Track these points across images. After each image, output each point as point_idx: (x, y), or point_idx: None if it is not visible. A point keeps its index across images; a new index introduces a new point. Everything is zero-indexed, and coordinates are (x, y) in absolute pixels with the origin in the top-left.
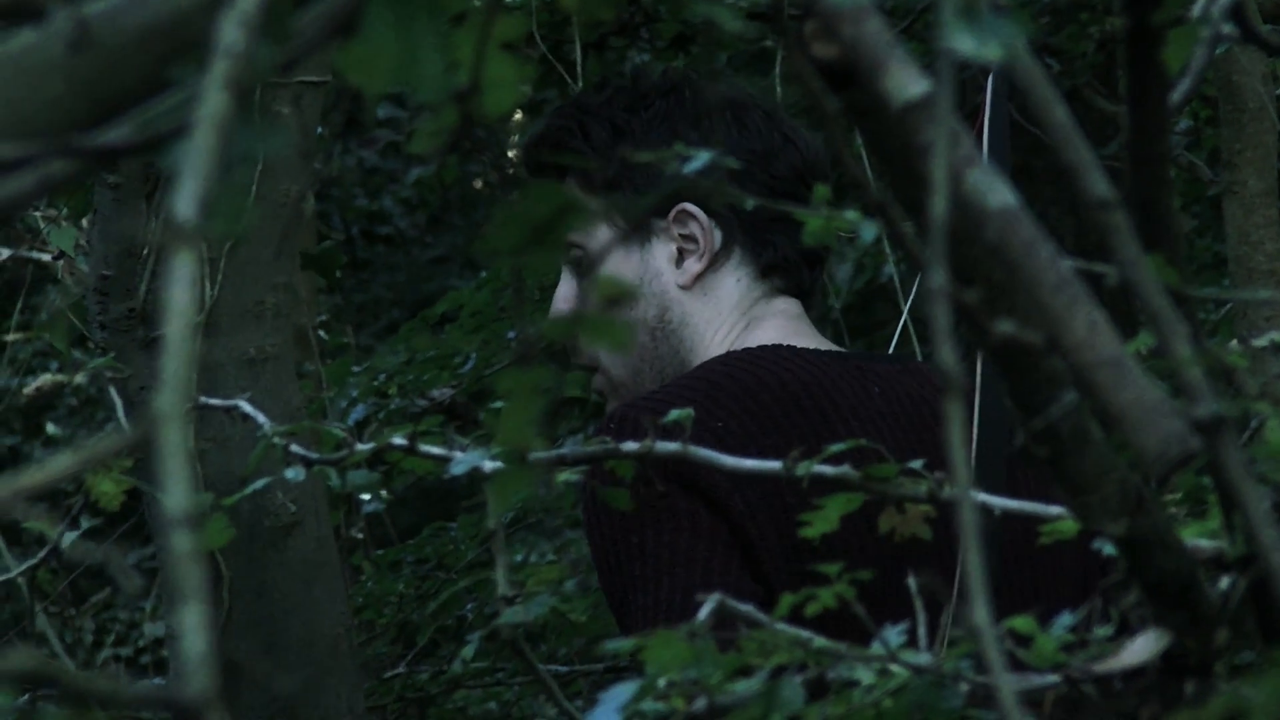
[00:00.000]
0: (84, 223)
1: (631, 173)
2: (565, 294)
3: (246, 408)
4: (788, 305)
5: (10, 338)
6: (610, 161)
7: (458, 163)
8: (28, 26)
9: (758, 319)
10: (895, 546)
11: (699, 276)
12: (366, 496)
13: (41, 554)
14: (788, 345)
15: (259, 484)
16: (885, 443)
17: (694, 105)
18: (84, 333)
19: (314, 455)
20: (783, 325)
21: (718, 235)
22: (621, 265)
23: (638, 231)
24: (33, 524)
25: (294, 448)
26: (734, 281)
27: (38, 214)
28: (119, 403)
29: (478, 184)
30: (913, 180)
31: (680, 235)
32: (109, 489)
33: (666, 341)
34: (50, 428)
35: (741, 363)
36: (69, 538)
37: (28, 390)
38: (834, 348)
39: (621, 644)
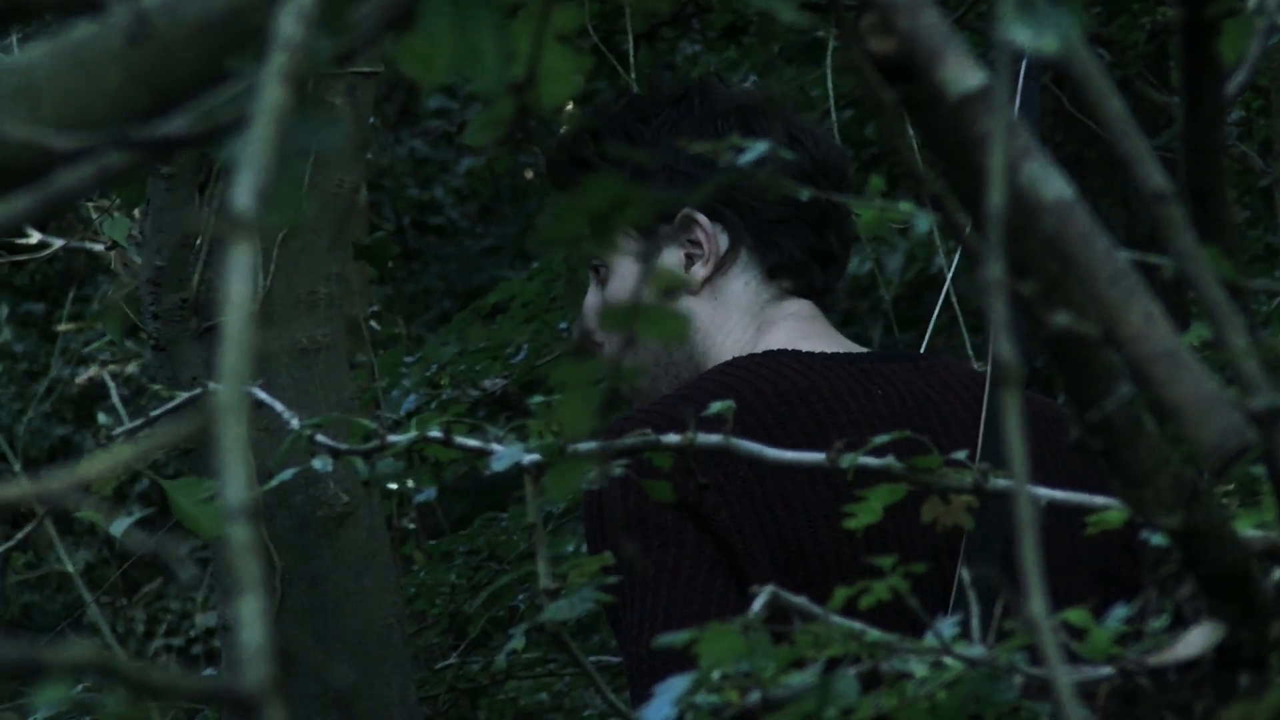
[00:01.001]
0: (136, 213)
1: (647, 179)
2: (593, 303)
3: (261, 395)
4: (800, 307)
5: (62, 328)
6: (624, 168)
7: (509, 153)
8: (86, 19)
9: (769, 322)
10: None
11: (707, 281)
12: (411, 485)
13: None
14: (793, 350)
15: (285, 475)
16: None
17: (702, 111)
18: (136, 323)
19: (340, 445)
20: (794, 328)
21: (723, 239)
22: (631, 274)
23: (646, 239)
24: (85, 514)
25: (320, 438)
26: (742, 285)
27: (90, 204)
28: (114, 391)
29: (529, 174)
30: (968, 172)
31: (687, 241)
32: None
33: (680, 348)
34: (101, 418)
35: (739, 371)
36: (121, 526)
37: (79, 380)
38: (848, 348)
39: (675, 639)
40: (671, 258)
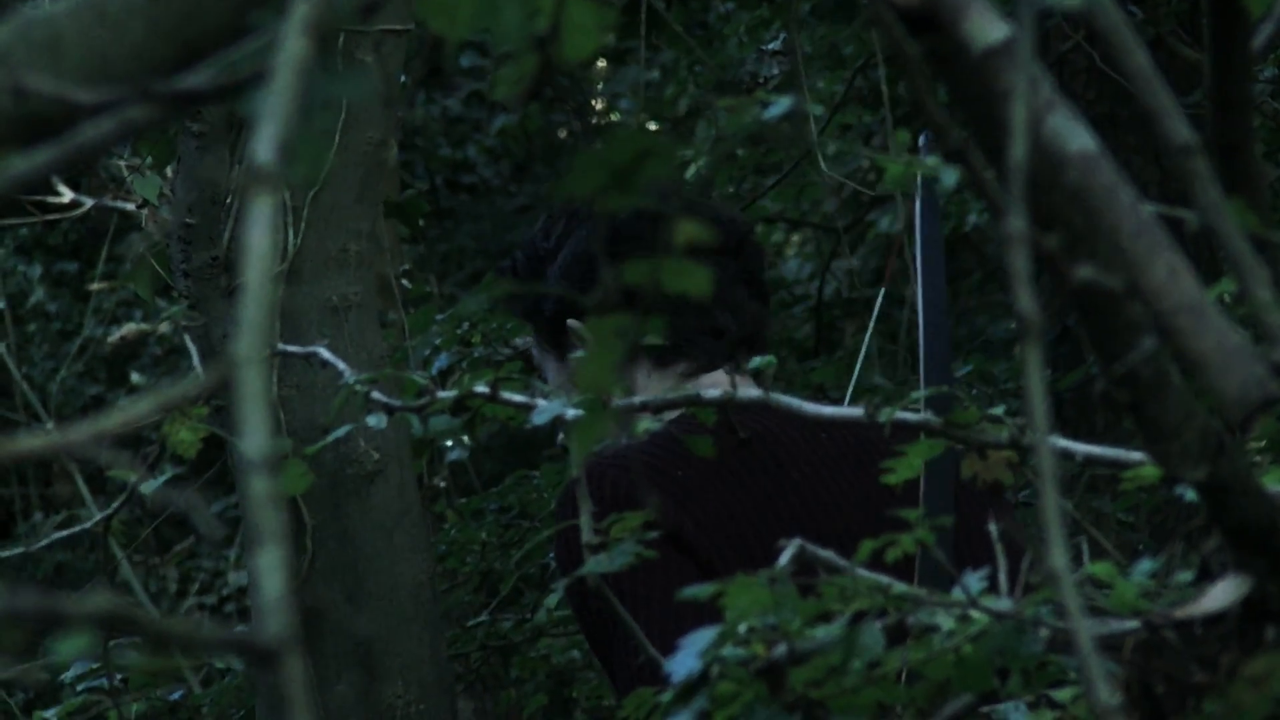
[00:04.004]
0: (168, 171)
1: (541, 299)
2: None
3: (326, 354)
4: (714, 379)
5: (95, 287)
6: (527, 288)
7: (542, 112)
8: None
9: None
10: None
11: None
12: (449, 444)
13: (118, 503)
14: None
15: (340, 431)
16: (838, 483)
17: (587, 213)
18: (168, 281)
19: (396, 402)
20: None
21: None
22: (557, 376)
23: (555, 348)
24: (117, 472)
25: (376, 395)
26: (644, 376)
27: (122, 163)
28: (194, 350)
29: (562, 133)
30: (993, 126)
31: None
32: (187, 437)
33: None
34: (134, 376)
35: (695, 420)
36: (151, 486)
37: (112, 339)
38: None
39: (699, 589)
40: (573, 364)
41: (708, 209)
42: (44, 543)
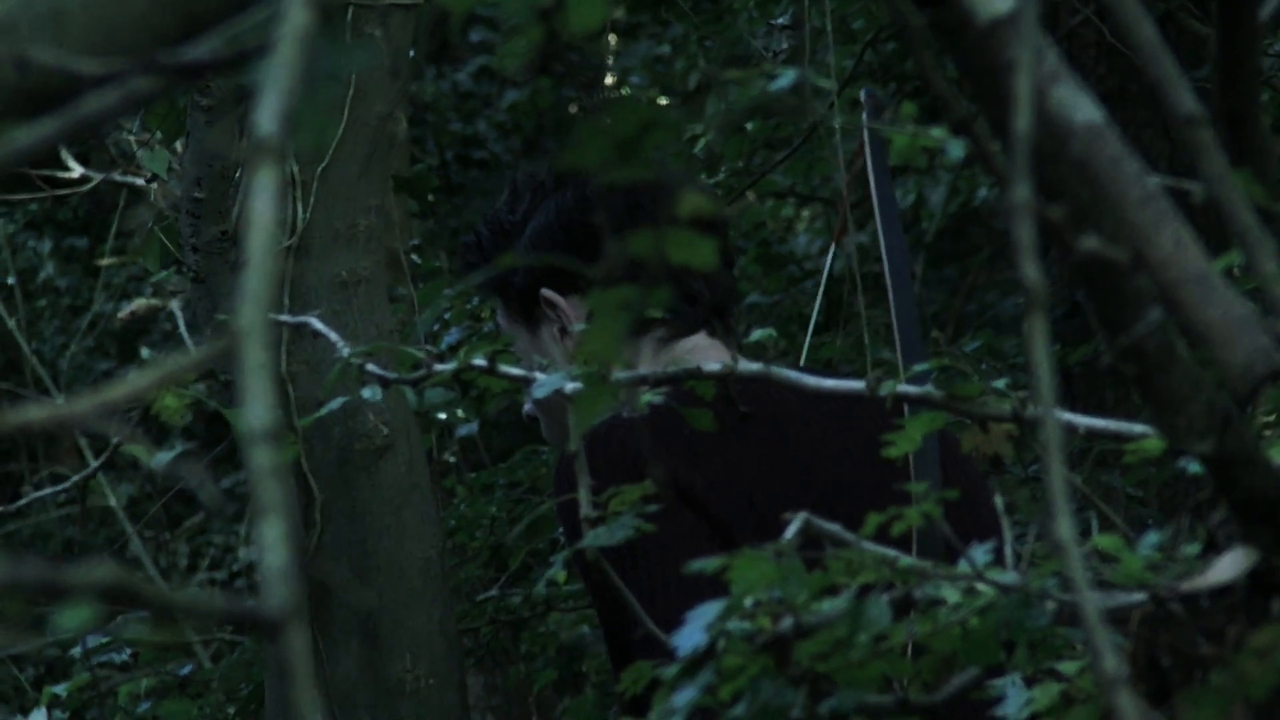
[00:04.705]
0: (177, 146)
1: (511, 272)
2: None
3: (317, 325)
4: (695, 341)
5: (104, 262)
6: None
7: (552, 87)
8: None
9: (675, 362)
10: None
11: None
12: (460, 414)
13: (96, 465)
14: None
15: (335, 403)
16: (836, 441)
17: (552, 186)
18: (176, 256)
19: (390, 374)
20: (702, 358)
21: (583, 309)
22: (529, 349)
23: (525, 320)
24: (129, 448)
25: (370, 367)
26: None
27: (131, 137)
28: (180, 318)
29: (573, 108)
30: (998, 97)
31: (557, 316)
32: (172, 404)
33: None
34: (145, 352)
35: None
36: (161, 460)
37: (122, 315)
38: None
39: (704, 563)
40: (547, 332)
41: (682, 179)
42: (17, 506)
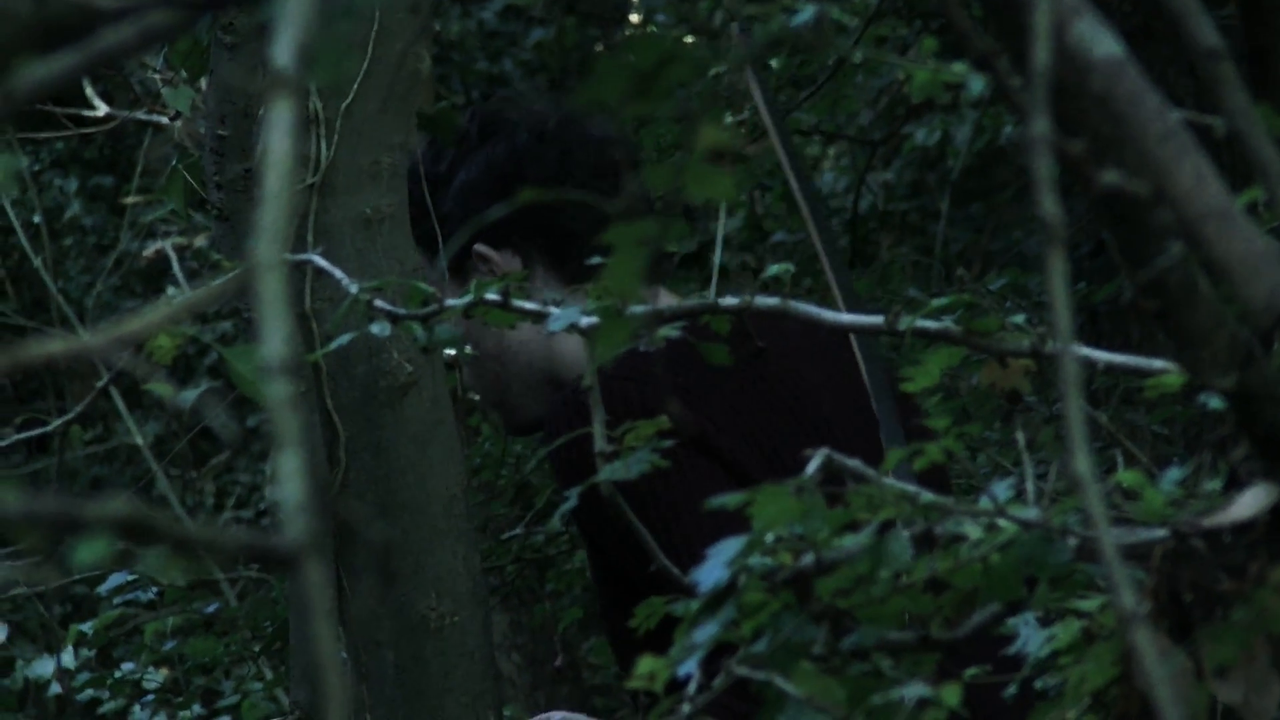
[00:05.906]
0: (202, 83)
1: (443, 223)
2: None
3: (320, 261)
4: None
5: (130, 200)
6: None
7: (578, 26)
8: None
9: None
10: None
11: None
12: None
13: (81, 406)
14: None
15: (344, 338)
16: (821, 370)
17: (478, 139)
18: (201, 194)
19: (400, 310)
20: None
21: (515, 263)
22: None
23: (456, 273)
24: (153, 386)
25: (378, 303)
26: (552, 299)
27: (156, 75)
28: (174, 259)
29: (598, 47)
30: (1019, 33)
31: (489, 272)
32: (164, 343)
33: (517, 360)
34: (170, 290)
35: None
36: (188, 398)
37: (147, 253)
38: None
39: (726, 498)
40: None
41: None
42: (7, 442)
